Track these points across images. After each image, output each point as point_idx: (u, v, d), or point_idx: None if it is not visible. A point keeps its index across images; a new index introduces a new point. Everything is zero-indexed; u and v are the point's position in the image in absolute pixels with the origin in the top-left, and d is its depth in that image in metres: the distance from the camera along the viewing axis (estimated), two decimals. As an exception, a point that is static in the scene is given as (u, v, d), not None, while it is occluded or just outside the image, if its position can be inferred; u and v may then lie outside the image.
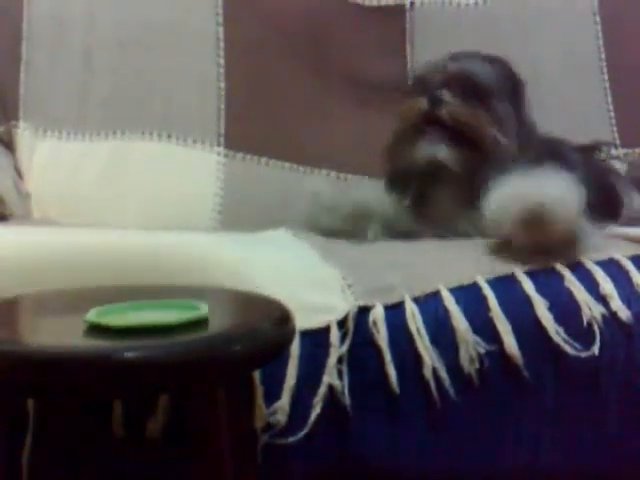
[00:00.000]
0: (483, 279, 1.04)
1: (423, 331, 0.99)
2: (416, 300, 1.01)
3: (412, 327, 0.99)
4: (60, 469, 0.95)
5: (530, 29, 1.74)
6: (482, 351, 0.99)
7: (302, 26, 1.66)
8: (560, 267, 1.06)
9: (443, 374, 0.98)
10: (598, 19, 1.75)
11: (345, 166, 1.60)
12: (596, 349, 1.01)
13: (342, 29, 1.67)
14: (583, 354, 1.01)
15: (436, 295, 1.02)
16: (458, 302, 1.01)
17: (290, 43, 1.64)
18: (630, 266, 1.08)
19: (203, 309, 0.81)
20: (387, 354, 0.98)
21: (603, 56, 1.73)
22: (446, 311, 1.01)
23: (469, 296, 1.03)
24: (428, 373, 0.98)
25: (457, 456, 1.01)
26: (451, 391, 0.98)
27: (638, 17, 1.75)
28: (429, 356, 0.98)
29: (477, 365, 0.99)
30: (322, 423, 0.97)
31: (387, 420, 0.99)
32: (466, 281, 1.04)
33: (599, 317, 1.02)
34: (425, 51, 1.69)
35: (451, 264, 1.09)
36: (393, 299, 1.01)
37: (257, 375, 0.94)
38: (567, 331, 1.01)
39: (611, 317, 1.03)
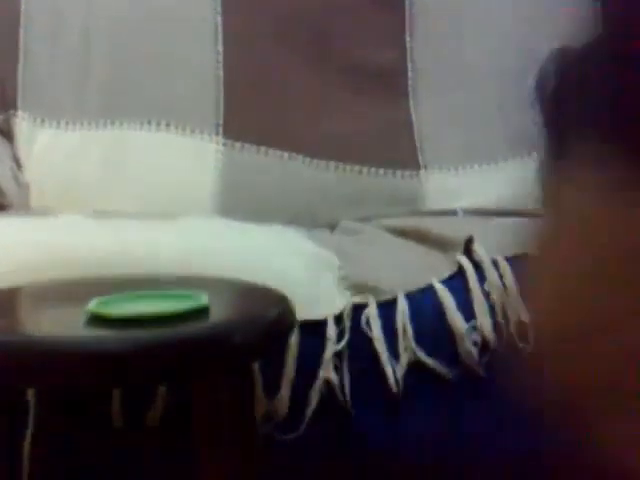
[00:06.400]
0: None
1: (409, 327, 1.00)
2: (409, 295, 1.02)
3: (400, 323, 1.00)
4: (61, 460, 0.95)
5: (531, 19, 1.74)
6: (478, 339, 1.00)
7: (301, 15, 1.65)
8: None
9: (443, 369, 0.99)
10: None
11: (344, 155, 1.59)
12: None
13: (342, 18, 1.67)
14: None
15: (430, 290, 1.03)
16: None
17: (289, 32, 1.64)
18: None
19: (203, 299, 0.81)
20: (383, 350, 0.99)
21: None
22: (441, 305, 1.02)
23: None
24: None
25: (458, 447, 1.01)
26: (449, 374, 1.00)
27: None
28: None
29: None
30: (321, 417, 0.97)
31: (386, 413, 1.00)
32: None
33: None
34: (425, 40, 1.69)
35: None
36: (386, 295, 1.01)
37: (256, 366, 0.95)
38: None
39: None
